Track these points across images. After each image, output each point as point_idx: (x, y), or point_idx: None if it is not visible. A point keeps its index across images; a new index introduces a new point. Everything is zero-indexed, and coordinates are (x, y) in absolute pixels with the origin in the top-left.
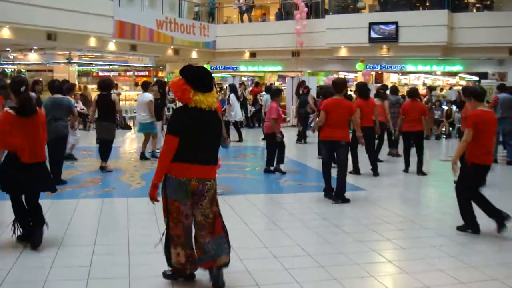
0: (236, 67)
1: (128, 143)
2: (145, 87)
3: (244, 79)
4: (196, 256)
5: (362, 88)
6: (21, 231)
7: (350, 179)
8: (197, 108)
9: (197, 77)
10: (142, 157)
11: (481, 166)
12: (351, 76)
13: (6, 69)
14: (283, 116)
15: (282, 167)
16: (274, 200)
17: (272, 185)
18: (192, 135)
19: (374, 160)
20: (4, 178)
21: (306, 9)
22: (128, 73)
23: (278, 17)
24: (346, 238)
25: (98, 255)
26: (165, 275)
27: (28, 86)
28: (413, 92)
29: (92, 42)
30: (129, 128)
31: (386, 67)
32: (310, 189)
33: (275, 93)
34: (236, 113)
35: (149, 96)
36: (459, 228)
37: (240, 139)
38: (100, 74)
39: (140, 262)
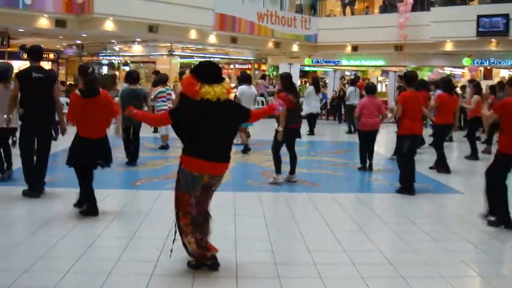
0: (337, 61)
1: None
2: (248, 79)
3: (347, 73)
4: (205, 241)
5: (447, 83)
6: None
7: (441, 178)
8: (205, 101)
9: (201, 69)
10: (246, 150)
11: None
12: (457, 71)
13: (113, 61)
14: (385, 112)
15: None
16: (361, 200)
17: (362, 184)
18: (203, 128)
19: (440, 156)
20: (72, 152)
21: (411, 1)
22: (234, 66)
23: (382, 10)
24: (433, 247)
25: (167, 249)
26: (189, 264)
27: (94, 71)
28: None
29: (193, 34)
30: None
31: (495, 62)
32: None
33: (372, 89)
34: (310, 106)
35: (254, 88)
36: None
37: (311, 133)
38: None
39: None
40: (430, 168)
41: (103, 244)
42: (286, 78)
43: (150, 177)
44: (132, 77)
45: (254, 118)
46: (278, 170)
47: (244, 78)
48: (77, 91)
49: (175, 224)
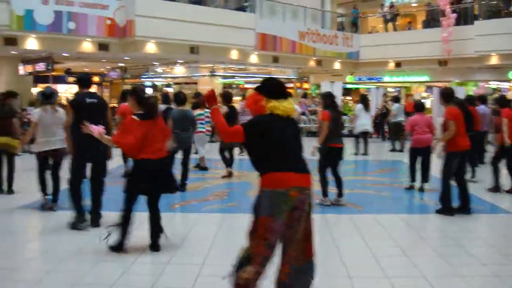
0: (380, 78)
1: None
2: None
3: (391, 90)
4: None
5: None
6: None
7: (488, 197)
8: (273, 115)
9: (268, 85)
10: None
11: None
12: (504, 85)
13: (155, 82)
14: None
15: (426, 185)
16: (405, 222)
17: (408, 204)
18: (276, 141)
19: None
20: (131, 180)
21: (453, 15)
22: None
23: (425, 25)
24: (482, 272)
25: (203, 276)
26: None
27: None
28: None
29: (234, 54)
30: None
31: None
32: None
33: (422, 106)
34: (360, 123)
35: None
36: None
37: (364, 153)
38: (246, 86)
39: None
40: (507, 191)
41: (138, 271)
42: (327, 97)
43: (188, 200)
44: (180, 98)
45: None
46: (324, 193)
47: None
48: (133, 116)
49: (242, 253)
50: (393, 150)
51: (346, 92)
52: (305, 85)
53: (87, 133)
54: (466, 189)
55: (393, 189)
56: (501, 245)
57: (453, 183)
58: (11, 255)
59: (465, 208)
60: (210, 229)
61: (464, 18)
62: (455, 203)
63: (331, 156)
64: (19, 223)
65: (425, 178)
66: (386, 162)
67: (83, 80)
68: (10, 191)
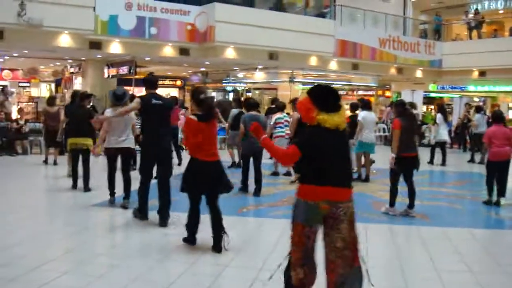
0: (464, 87)
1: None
2: (370, 106)
3: (476, 99)
4: (313, 279)
5: None
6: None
7: None
8: (321, 127)
9: (321, 96)
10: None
11: None
12: None
13: (237, 87)
14: None
15: (503, 200)
16: (475, 237)
17: (480, 218)
18: (317, 155)
19: None
20: (186, 178)
21: None
22: (357, 92)
23: None
24: None
25: (260, 280)
26: None
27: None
28: None
29: (313, 61)
30: None
31: None
32: None
33: (500, 117)
34: (439, 134)
35: (373, 115)
36: None
37: (442, 163)
38: None
39: None
40: None
41: (196, 271)
42: (398, 105)
43: (256, 204)
44: (250, 103)
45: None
46: (391, 202)
47: (365, 105)
48: (191, 116)
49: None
50: (472, 161)
51: (429, 100)
52: (387, 93)
53: (151, 132)
54: None
55: (467, 202)
56: None
57: None
58: (82, 250)
59: None
60: (273, 234)
61: None
62: None
63: (403, 166)
64: (92, 220)
65: (502, 192)
66: (463, 174)
67: (149, 81)
68: (86, 189)
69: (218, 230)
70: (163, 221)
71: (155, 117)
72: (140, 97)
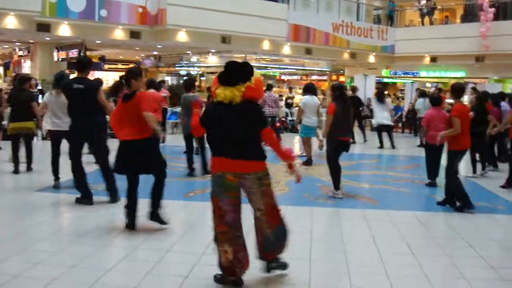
0: (416, 73)
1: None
2: (313, 90)
3: (428, 85)
4: (244, 254)
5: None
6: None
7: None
8: (217, 101)
9: (223, 71)
10: (310, 163)
11: None
12: None
13: (191, 72)
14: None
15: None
16: (419, 220)
17: (425, 201)
18: (213, 128)
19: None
20: (115, 159)
21: (492, 9)
22: (312, 77)
23: (463, 19)
24: (489, 275)
25: (200, 265)
26: (215, 278)
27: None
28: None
29: (266, 45)
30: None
31: None
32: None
33: (437, 100)
34: (376, 117)
35: (317, 99)
36: None
37: (391, 146)
38: (282, 77)
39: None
40: (501, 187)
41: (137, 257)
42: (335, 89)
43: (204, 189)
44: (186, 84)
45: (273, 147)
46: (336, 185)
47: (308, 89)
48: None
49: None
50: (421, 145)
51: (383, 86)
52: (341, 78)
53: (74, 115)
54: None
55: (413, 186)
56: None
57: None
58: (22, 236)
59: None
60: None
61: (504, 13)
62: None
63: (339, 149)
64: (34, 204)
65: (435, 175)
66: (413, 158)
67: (78, 63)
68: (29, 168)
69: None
70: (113, 198)
71: (76, 100)
72: (63, 84)
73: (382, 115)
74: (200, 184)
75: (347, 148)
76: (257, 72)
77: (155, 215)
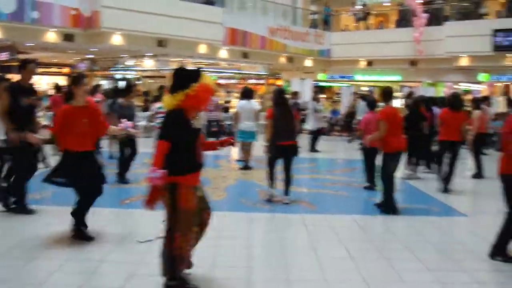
0: (352, 76)
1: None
2: (250, 95)
3: (365, 89)
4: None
5: (449, 99)
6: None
7: (446, 199)
8: None
9: None
10: (248, 167)
11: None
12: (476, 87)
13: (126, 76)
14: None
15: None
16: (358, 223)
17: (363, 205)
18: None
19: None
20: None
21: (424, 15)
22: (249, 81)
23: (398, 24)
24: (426, 278)
25: (137, 276)
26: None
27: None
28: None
29: (202, 49)
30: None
31: None
32: (404, 212)
33: (374, 104)
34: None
35: (255, 103)
36: None
37: (311, 150)
38: (220, 81)
39: None
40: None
41: (70, 269)
42: (275, 94)
43: (140, 195)
44: (118, 91)
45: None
46: (270, 185)
47: (245, 93)
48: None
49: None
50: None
51: (321, 90)
52: (279, 82)
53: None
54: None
55: (352, 189)
56: (451, 249)
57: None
58: None
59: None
60: (155, 226)
61: (436, 19)
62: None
63: (279, 154)
64: None
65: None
66: (351, 161)
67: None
68: None
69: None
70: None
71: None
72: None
73: (313, 121)
74: (136, 191)
75: (293, 152)
76: (207, 78)
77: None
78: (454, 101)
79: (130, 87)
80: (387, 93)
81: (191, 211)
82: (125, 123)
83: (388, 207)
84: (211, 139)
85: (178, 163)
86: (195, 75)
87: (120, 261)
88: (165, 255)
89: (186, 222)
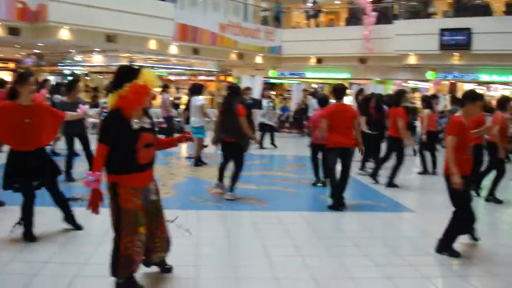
0: (302, 73)
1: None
2: (198, 90)
3: (315, 86)
4: None
5: (393, 97)
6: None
7: (393, 194)
8: None
9: None
10: (198, 164)
11: None
12: (423, 85)
13: (74, 71)
14: None
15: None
16: (306, 220)
17: (312, 201)
18: None
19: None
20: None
21: (374, 13)
22: (200, 78)
23: (348, 22)
24: (373, 273)
25: (82, 277)
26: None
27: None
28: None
29: (152, 44)
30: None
31: (459, 76)
32: (353, 208)
33: (324, 101)
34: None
35: (201, 99)
36: None
37: (261, 146)
38: (170, 77)
39: None
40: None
41: (13, 270)
42: (227, 89)
43: (87, 194)
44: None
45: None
46: (218, 177)
47: (193, 89)
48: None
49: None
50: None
51: (271, 87)
52: (229, 78)
53: None
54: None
55: (301, 186)
56: (398, 244)
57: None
58: None
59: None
60: (103, 225)
61: (385, 17)
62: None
63: (223, 150)
64: None
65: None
66: (301, 158)
67: None
68: None
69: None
70: None
71: None
72: None
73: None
74: (83, 189)
75: (233, 149)
76: (147, 75)
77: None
78: (395, 99)
79: (72, 83)
80: (338, 90)
81: (132, 212)
82: (84, 108)
83: (334, 203)
84: (162, 136)
85: (117, 163)
86: (132, 73)
87: (64, 262)
88: (113, 255)
89: (128, 222)
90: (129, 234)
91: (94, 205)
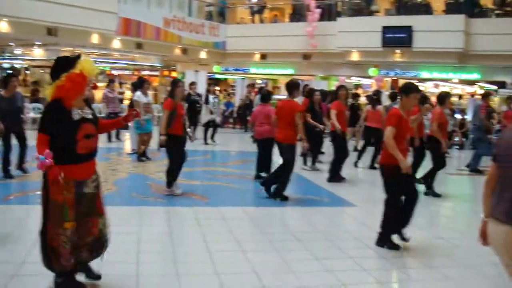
0: (246, 69)
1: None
2: (138, 85)
3: (259, 81)
4: None
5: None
6: None
7: (336, 190)
8: None
9: None
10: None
11: None
12: (366, 81)
13: (14, 65)
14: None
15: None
16: (249, 215)
17: (254, 196)
18: None
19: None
20: None
21: (317, 10)
22: (143, 72)
23: (292, 18)
24: (314, 267)
25: (20, 276)
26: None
27: None
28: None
29: (95, 39)
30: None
31: (400, 73)
32: (296, 203)
33: (266, 97)
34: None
35: (138, 94)
36: None
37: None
38: (113, 72)
39: None
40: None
41: None
42: (172, 84)
43: (25, 191)
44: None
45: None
46: (168, 183)
47: (139, 84)
48: None
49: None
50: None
51: (216, 82)
52: (173, 74)
53: None
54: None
55: (244, 181)
56: (339, 238)
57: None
58: None
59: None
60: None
61: (329, 14)
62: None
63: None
64: None
65: (267, 169)
66: (244, 153)
67: None
68: None
69: None
70: None
71: None
72: None
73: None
74: (20, 186)
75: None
76: (85, 64)
77: None
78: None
79: (7, 78)
80: (290, 86)
81: (60, 204)
82: None
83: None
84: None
85: (54, 153)
86: (69, 63)
87: (2, 261)
88: (42, 247)
89: (54, 214)
90: (55, 226)
91: (55, 178)
